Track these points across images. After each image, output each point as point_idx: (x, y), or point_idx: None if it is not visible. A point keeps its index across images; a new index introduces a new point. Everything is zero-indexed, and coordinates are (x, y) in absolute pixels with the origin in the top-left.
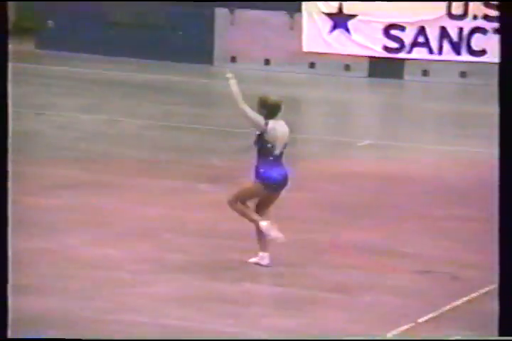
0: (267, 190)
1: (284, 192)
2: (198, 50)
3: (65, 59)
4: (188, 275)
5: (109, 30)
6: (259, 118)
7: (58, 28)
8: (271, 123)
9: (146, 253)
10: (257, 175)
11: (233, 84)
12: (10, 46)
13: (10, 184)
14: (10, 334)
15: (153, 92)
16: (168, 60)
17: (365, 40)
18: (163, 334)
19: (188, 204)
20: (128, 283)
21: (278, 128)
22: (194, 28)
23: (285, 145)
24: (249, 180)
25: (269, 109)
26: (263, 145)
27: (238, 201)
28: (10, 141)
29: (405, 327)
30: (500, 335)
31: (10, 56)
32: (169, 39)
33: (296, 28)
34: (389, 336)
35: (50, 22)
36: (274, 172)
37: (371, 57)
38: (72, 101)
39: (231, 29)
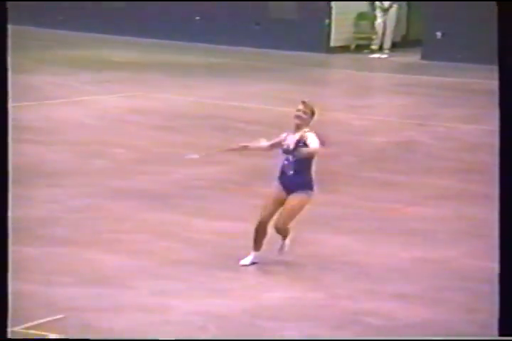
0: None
1: None
2: None
3: (450, 69)
4: None
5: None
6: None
7: (445, 39)
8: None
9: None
10: (311, 185)
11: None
12: (396, 58)
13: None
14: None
15: None
16: None
17: None
18: None
19: None
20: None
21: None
22: None
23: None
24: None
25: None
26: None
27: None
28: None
29: None
30: (500, 335)
31: (397, 68)
32: None
33: None
34: None
35: (438, 33)
36: None
37: None
38: (453, 111)
39: None
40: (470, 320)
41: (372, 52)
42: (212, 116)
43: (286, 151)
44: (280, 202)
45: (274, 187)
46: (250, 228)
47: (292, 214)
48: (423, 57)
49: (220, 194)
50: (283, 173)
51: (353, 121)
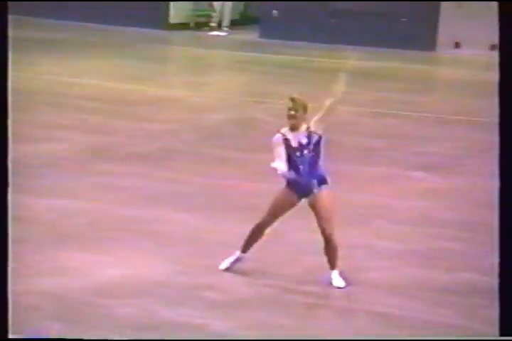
0: None
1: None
2: (421, 36)
3: (286, 47)
4: (401, 263)
5: (332, 19)
6: None
7: (282, 17)
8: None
9: (358, 239)
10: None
11: None
12: (235, 36)
13: (224, 170)
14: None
15: (373, 79)
16: (391, 47)
17: None
18: (374, 321)
19: (402, 192)
20: (340, 269)
21: None
22: (418, 15)
23: None
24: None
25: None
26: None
27: None
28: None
29: None
30: (500, 335)
31: (235, 46)
32: (392, 26)
33: None
34: None
35: (274, 11)
36: None
37: None
38: (291, 88)
39: (456, 14)
40: (302, 291)
41: (212, 29)
42: (49, 92)
43: (300, 147)
44: (290, 207)
45: (283, 193)
46: (87, 206)
47: (332, 217)
48: (261, 35)
49: (56, 172)
50: (296, 176)
51: (193, 98)
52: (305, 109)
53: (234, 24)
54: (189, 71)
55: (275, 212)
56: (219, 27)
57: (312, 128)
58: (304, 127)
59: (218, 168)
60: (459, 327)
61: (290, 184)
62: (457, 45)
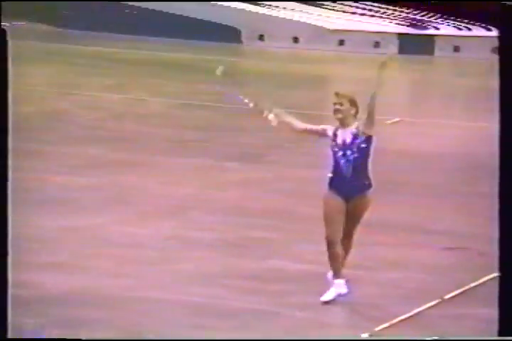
0: None
1: (306, 171)
2: (226, 28)
3: (90, 38)
4: (214, 253)
5: (133, 9)
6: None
7: (84, 8)
8: None
9: (172, 231)
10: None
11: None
12: (36, 26)
13: (34, 163)
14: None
15: (180, 71)
16: (197, 38)
17: None
18: (187, 311)
19: (215, 183)
20: (153, 261)
21: None
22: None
23: None
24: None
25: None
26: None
27: None
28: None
29: (431, 303)
30: (500, 335)
31: (35, 36)
32: (196, 17)
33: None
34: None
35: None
36: None
37: (401, 34)
38: (97, 80)
39: (259, 8)
40: (115, 284)
41: None
42: None
43: (343, 146)
44: (340, 212)
45: (327, 198)
46: None
47: (359, 222)
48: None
49: None
50: (338, 176)
51: None
52: (352, 103)
53: None
54: None
55: (331, 220)
56: None
57: (361, 128)
58: (353, 126)
59: (28, 161)
60: (268, 314)
61: (333, 183)
62: (261, 37)
